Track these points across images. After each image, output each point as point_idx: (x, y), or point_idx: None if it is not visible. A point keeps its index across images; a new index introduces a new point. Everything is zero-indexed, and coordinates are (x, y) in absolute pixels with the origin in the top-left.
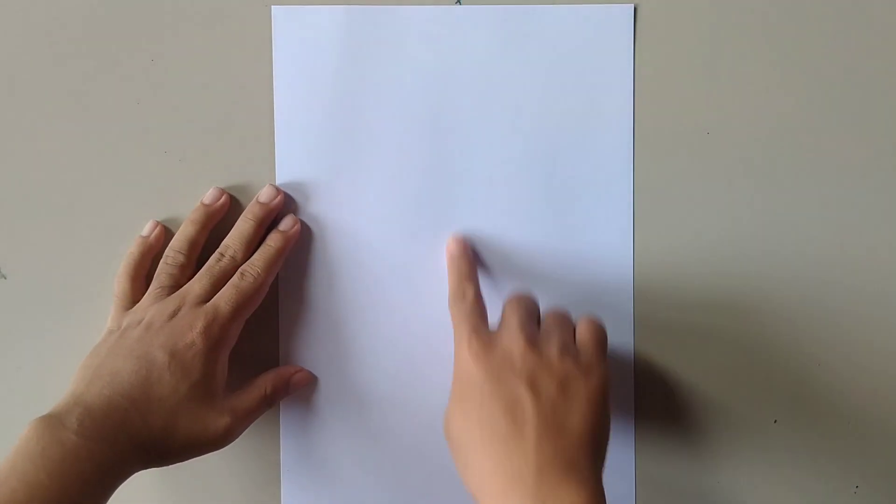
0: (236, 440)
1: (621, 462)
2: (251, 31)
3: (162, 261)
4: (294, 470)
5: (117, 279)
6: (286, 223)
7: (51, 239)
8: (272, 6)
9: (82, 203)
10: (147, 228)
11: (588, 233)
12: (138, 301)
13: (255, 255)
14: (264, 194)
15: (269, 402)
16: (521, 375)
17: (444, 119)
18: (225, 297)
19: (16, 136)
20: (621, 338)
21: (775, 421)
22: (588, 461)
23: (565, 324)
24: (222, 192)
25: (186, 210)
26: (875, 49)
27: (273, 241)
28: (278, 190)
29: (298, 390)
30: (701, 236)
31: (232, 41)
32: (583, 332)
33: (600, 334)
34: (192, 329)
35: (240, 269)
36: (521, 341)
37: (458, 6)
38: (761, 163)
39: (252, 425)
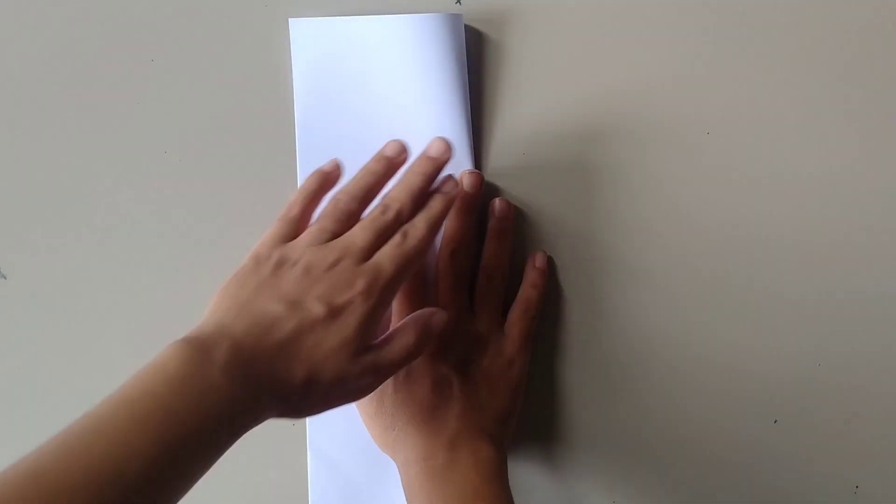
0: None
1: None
2: (258, 37)
3: (332, 203)
4: (321, 444)
5: (290, 206)
6: (449, 185)
7: (51, 239)
8: (290, 18)
9: (82, 203)
10: (329, 165)
11: None
12: (294, 237)
13: (418, 217)
14: (434, 148)
15: (415, 354)
16: (450, 359)
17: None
18: (388, 257)
19: (16, 136)
20: (617, 330)
21: (775, 421)
22: (498, 431)
23: (496, 306)
24: (404, 146)
25: (187, 210)
26: (875, 47)
27: (436, 202)
28: (449, 144)
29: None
30: (701, 236)
31: (237, 45)
32: (514, 323)
33: (528, 327)
34: (352, 287)
35: (403, 230)
36: (453, 329)
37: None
38: (761, 162)
39: None
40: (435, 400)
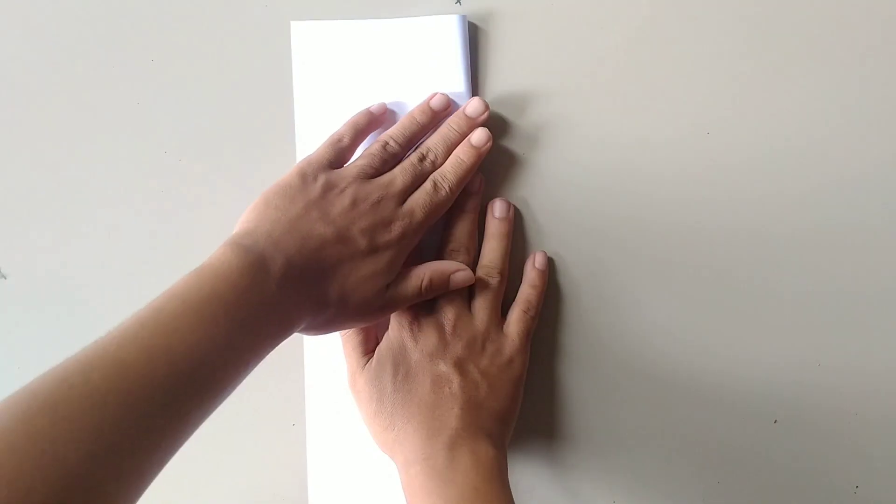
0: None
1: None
2: (259, 39)
3: (380, 144)
4: (320, 431)
5: (340, 135)
6: (480, 138)
7: (51, 239)
8: (291, 21)
9: (82, 203)
10: (378, 108)
11: None
12: (339, 165)
13: (448, 168)
14: (472, 108)
15: (423, 295)
16: (450, 359)
17: None
18: (420, 204)
19: (16, 135)
20: (617, 330)
21: (775, 421)
22: (498, 430)
23: (495, 305)
24: (449, 101)
25: (186, 210)
26: (875, 47)
27: (466, 155)
28: (486, 105)
29: (457, 289)
30: (701, 236)
31: (237, 47)
32: (513, 323)
33: (528, 327)
34: (390, 229)
35: (433, 178)
36: (452, 328)
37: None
38: (761, 162)
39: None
40: (434, 400)
